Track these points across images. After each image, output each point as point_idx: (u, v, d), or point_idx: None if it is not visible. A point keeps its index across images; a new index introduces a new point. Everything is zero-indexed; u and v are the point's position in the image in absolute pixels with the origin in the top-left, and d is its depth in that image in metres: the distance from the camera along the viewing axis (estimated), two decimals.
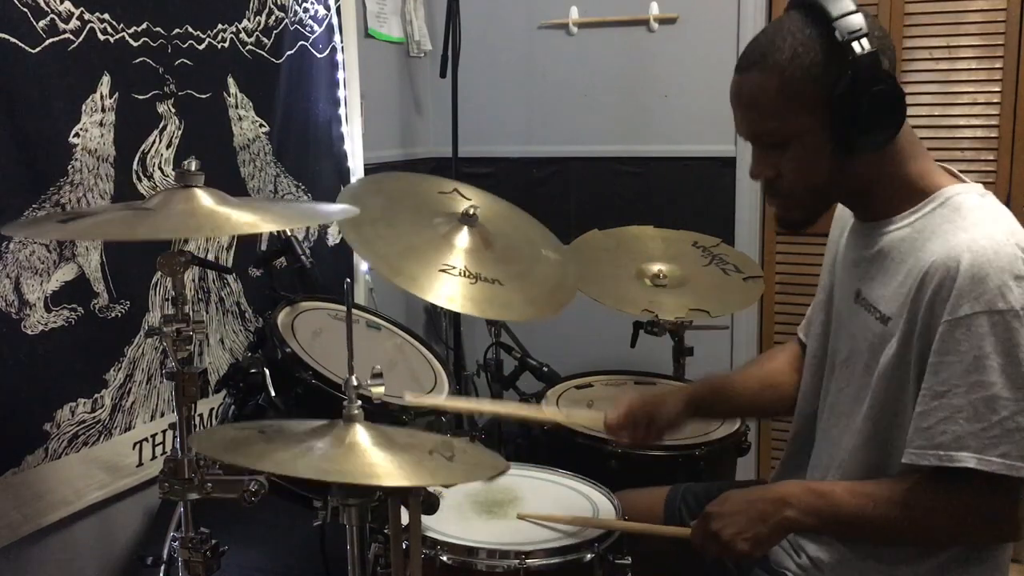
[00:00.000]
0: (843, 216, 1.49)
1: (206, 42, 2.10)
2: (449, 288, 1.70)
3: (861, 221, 1.41)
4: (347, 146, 2.66)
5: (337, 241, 2.58)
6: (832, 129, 1.26)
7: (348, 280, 1.25)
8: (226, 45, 2.16)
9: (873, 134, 1.26)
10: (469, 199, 1.95)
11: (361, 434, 1.14)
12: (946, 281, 1.20)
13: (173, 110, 2.01)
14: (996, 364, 1.17)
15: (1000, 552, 1.31)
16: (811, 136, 1.28)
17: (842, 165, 1.29)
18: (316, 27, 2.49)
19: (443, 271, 1.72)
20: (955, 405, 1.19)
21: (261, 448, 1.11)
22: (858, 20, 1.23)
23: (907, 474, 1.26)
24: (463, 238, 1.83)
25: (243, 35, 2.22)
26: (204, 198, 1.29)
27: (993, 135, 2.72)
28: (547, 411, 1.61)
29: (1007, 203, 2.70)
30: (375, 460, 1.10)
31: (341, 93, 2.61)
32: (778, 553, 1.46)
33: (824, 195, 1.35)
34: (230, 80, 2.19)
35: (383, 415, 1.58)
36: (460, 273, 1.71)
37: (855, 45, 1.22)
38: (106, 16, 1.82)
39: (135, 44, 1.90)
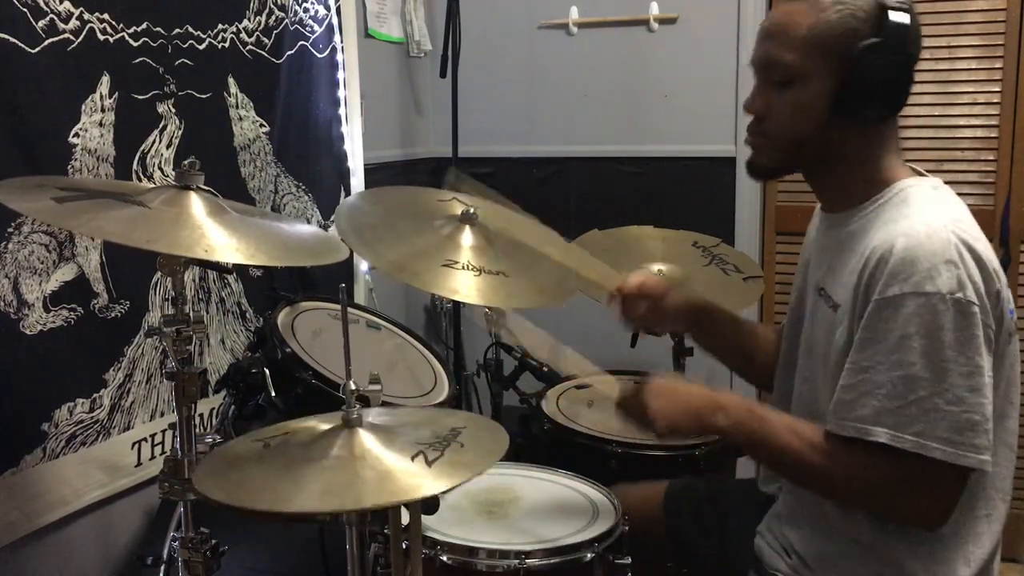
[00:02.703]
0: (816, 218, 1.51)
1: (206, 42, 2.09)
2: (454, 281, 1.69)
3: (826, 213, 1.43)
4: (347, 146, 2.66)
5: None
6: (838, 84, 1.28)
7: (343, 285, 1.25)
8: (226, 45, 2.16)
9: (871, 105, 1.29)
10: (469, 205, 1.94)
11: (367, 439, 1.14)
12: (880, 263, 1.23)
13: (173, 110, 2.01)
14: (918, 345, 1.20)
15: (988, 550, 1.31)
16: (817, 84, 1.30)
17: (829, 125, 1.31)
18: (316, 27, 2.49)
19: (446, 266, 1.71)
20: (877, 381, 1.22)
21: (268, 479, 1.09)
22: None
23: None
24: (466, 237, 1.83)
25: (243, 35, 2.21)
26: (197, 205, 1.29)
27: (993, 135, 2.72)
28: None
29: (1007, 203, 2.70)
30: (390, 466, 1.09)
31: (341, 93, 2.61)
32: (769, 555, 1.47)
33: (801, 150, 1.36)
34: (230, 80, 2.19)
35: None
36: (464, 267, 1.71)
37: (892, 13, 1.25)
38: (106, 16, 1.82)
39: (135, 44, 1.90)
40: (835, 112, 1.30)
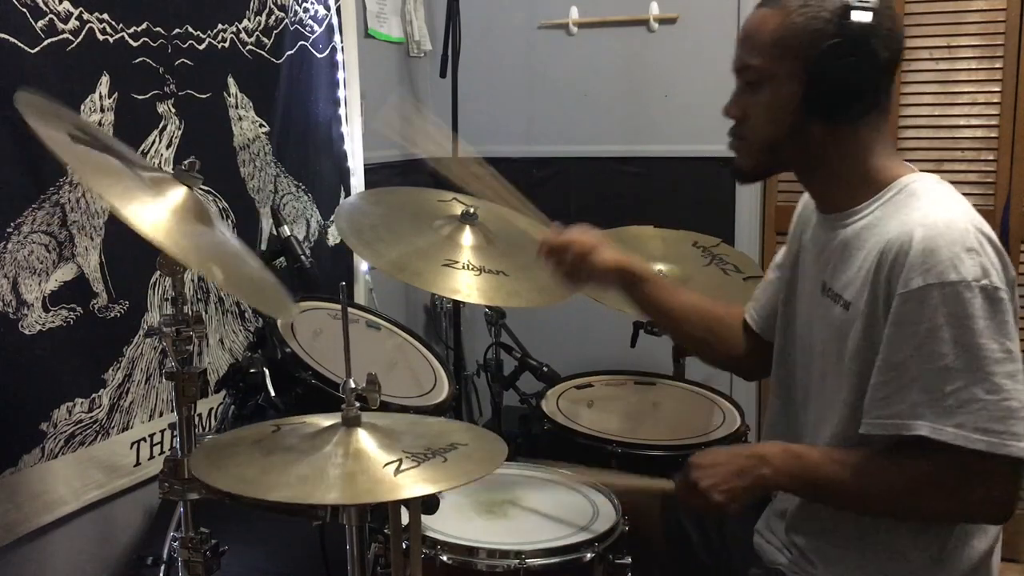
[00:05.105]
0: (805, 213, 1.51)
1: (206, 42, 2.09)
2: (454, 281, 1.69)
3: (823, 214, 1.42)
4: (347, 146, 2.66)
5: (337, 241, 2.57)
6: (805, 86, 1.29)
7: (343, 283, 1.25)
8: (226, 45, 2.16)
9: (840, 106, 1.29)
10: (469, 204, 1.94)
11: (361, 439, 1.15)
12: (899, 256, 1.22)
13: (173, 110, 2.01)
14: (948, 335, 1.18)
15: (989, 542, 1.31)
16: (785, 86, 1.31)
17: (802, 127, 1.31)
18: (316, 27, 2.48)
19: (446, 266, 1.71)
20: (910, 376, 1.21)
21: (267, 469, 1.12)
22: None
23: (877, 444, 1.27)
24: (466, 237, 1.83)
25: (243, 35, 2.21)
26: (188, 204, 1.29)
27: (993, 135, 2.72)
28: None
29: (1007, 203, 2.70)
30: (356, 468, 1.10)
31: (341, 93, 2.61)
32: (770, 551, 1.47)
33: (778, 152, 1.36)
34: (230, 80, 2.19)
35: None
36: (464, 267, 1.71)
37: (854, 13, 1.25)
38: (105, 16, 1.82)
39: (135, 44, 1.90)
40: (808, 114, 1.30)
